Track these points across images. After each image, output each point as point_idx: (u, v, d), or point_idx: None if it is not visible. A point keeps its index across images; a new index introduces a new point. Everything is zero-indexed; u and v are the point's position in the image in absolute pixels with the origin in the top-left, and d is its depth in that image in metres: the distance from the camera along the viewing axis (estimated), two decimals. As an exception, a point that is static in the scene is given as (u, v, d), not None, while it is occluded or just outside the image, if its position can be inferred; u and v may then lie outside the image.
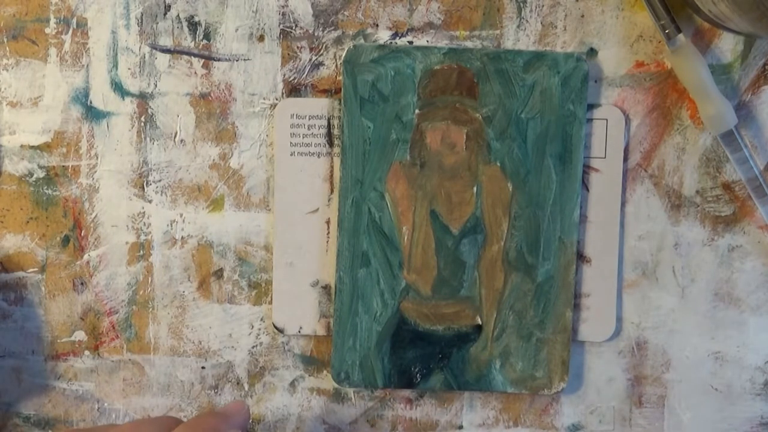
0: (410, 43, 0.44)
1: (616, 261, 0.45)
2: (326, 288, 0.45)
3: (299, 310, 0.45)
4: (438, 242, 0.44)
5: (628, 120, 0.45)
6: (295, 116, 0.44)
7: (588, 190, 0.44)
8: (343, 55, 0.44)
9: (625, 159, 0.45)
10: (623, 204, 0.45)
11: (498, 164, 0.44)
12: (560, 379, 0.45)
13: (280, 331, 0.45)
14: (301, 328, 0.45)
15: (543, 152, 0.44)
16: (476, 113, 0.44)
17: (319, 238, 0.45)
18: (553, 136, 0.44)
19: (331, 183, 0.45)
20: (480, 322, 0.44)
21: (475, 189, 0.44)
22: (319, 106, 0.44)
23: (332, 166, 0.45)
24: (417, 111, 0.44)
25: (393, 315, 0.44)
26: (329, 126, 0.44)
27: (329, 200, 0.45)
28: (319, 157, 0.45)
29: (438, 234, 0.44)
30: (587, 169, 0.44)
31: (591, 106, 0.44)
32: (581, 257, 0.45)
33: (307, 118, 0.44)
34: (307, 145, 0.44)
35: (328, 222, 0.45)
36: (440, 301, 0.44)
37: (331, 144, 0.45)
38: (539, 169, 0.44)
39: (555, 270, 0.44)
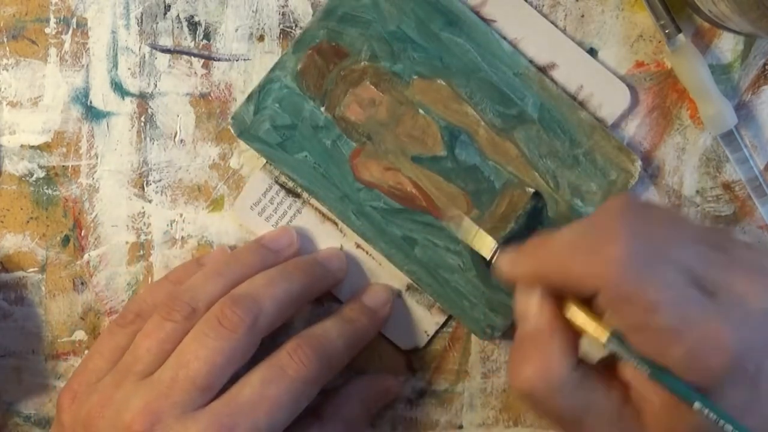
0: None
1: (563, 37, 0.44)
2: (410, 288, 0.45)
3: (409, 323, 0.45)
4: (441, 172, 0.44)
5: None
6: (253, 206, 0.44)
7: (495, 20, 0.44)
8: (233, 131, 0.43)
9: None
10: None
11: (415, 77, 0.44)
12: (631, 162, 0.44)
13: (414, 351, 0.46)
14: (426, 332, 0.45)
15: (434, 34, 0.43)
16: (360, 63, 0.44)
17: (364, 263, 0.45)
18: (427, 17, 0.43)
19: (329, 219, 0.45)
20: (533, 189, 0.44)
21: (420, 111, 0.44)
22: (260, 181, 0.44)
23: (316, 208, 0.45)
24: (322, 108, 0.44)
25: (472, 254, 0.44)
26: (282, 185, 0.44)
27: (341, 231, 0.45)
28: (300, 212, 0.44)
29: (434, 168, 0.44)
30: (475, 9, 0.44)
31: None
32: (545, 69, 0.44)
33: (262, 197, 0.44)
34: (284, 215, 0.44)
35: (358, 246, 0.45)
36: (490, 209, 0.44)
37: (298, 195, 0.44)
38: (445, 48, 0.43)
39: (536, 97, 0.43)
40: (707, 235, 0.37)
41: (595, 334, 0.36)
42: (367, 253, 0.45)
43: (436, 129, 0.44)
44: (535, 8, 0.44)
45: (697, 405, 0.34)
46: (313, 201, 0.44)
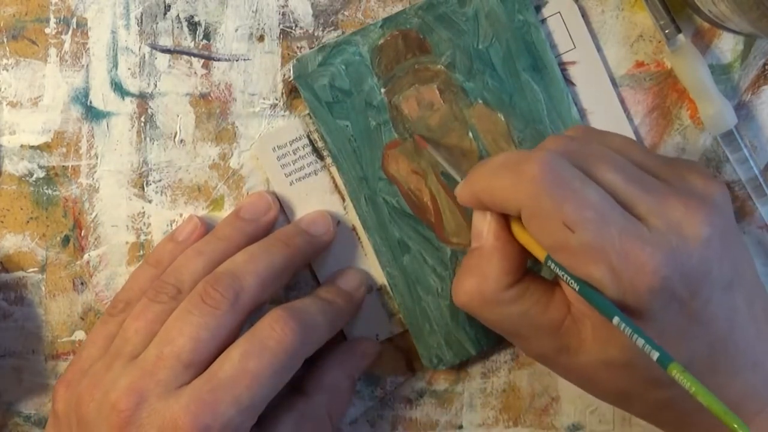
0: None
1: (631, 132, 0.44)
2: (382, 289, 0.45)
3: (368, 320, 0.45)
4: None
5: (578, 2, 0.44)
6: (276, 148, 0.44)
7: (574, 84, 0.44)
8: (291, 72, 0.44)
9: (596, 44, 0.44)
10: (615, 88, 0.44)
11: (480, 101, 0.44)
12: None
13: None
14: (377, 335, 0.45)
15: (515, 71, 0.43)
16: (437, 65, 0.44)
17: (352, 247, 0.45)
18: (517, 52, 0.43)
19: (339, 192, 0.45)
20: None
21: (470, 134, 0.44)
22: (293, 128, 0.44)
23: (332, 177, 0.45)
24: (383, 90, 0.44)
25: None
26: (311, 142, 0.44)
27: (345, 209, 0.45)
28: (316, 174, 0.44)
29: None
30: (564, 65, 0.44)
31: (538, 8, 0.44)
32: None
33: (288, 144, 0.44)
34: (300, 169, 0.44)
35: (353, 229, 0.45)
36: None
37: (321, 158, 0.44)
38: (519, 87, 0.43)
39: None
40: (645, 160, 0.38)
41: (535, 253, 0.37)
42: (358, 239, 0.45)
43: (475, 156, 0.44)
44: (615, 87, 0.44)
45: (615, 320, 0.34)
46: (332, 169, 0.44)
